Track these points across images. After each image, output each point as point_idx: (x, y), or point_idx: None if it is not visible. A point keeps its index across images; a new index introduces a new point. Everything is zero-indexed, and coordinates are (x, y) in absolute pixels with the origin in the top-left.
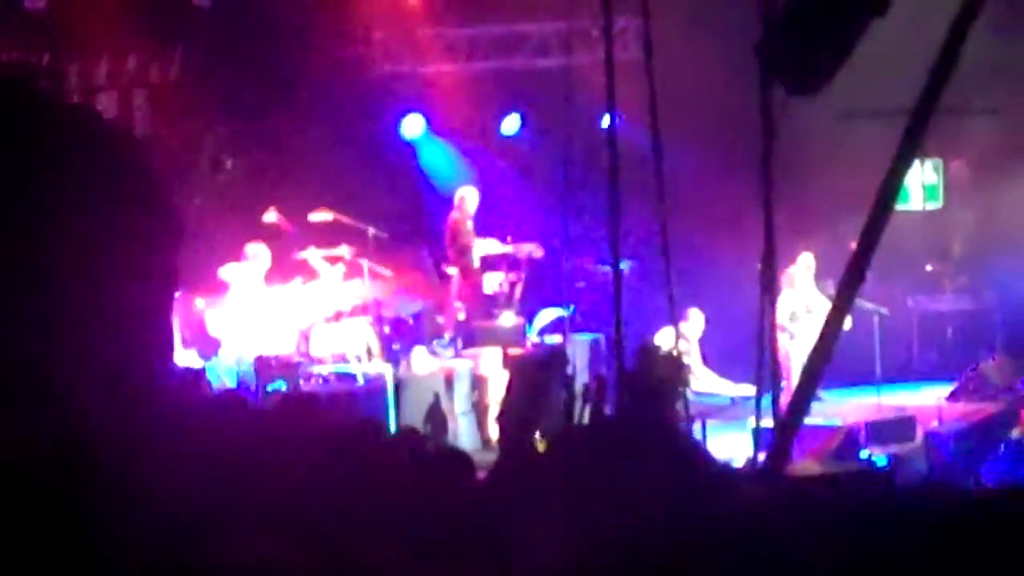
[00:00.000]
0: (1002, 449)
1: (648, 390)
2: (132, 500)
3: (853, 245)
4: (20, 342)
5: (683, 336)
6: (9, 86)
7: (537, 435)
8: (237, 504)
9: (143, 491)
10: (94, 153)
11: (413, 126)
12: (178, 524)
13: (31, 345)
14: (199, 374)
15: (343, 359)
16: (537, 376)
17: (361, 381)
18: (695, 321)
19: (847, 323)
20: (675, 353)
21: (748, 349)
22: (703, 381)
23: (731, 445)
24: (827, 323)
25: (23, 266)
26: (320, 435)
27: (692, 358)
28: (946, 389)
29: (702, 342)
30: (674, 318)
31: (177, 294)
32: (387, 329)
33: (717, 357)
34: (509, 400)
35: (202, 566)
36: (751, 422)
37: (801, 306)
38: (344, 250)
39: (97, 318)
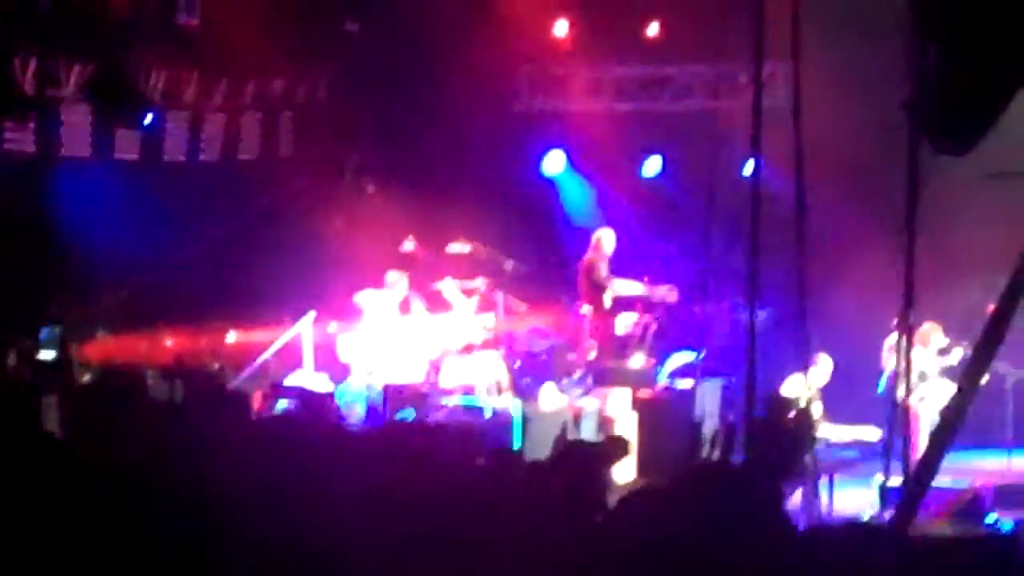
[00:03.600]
0: None
1: (778, 441)
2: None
3: (991, 306)
4: None
5: (810, 384)
6: None
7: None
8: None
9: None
10: None
11: (555, 163)
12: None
13: None
14: (326, 397)
15: (472, 391)
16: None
17: (488, 414)
18: (823, 366)
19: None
20: (807, 406)
21: (875, 404)
22: (824, 428)
23: (857, 500)
24: (962, 383)
25: None
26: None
27: (816, 404)
28: None
29: (829, 390)
30: (806, 368)
31: (311, 317)
32: (518, 364)
33: (844, 409)
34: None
35: None
36: (878, 478)
37: (933, 365)
38: (480, 282)
39: None
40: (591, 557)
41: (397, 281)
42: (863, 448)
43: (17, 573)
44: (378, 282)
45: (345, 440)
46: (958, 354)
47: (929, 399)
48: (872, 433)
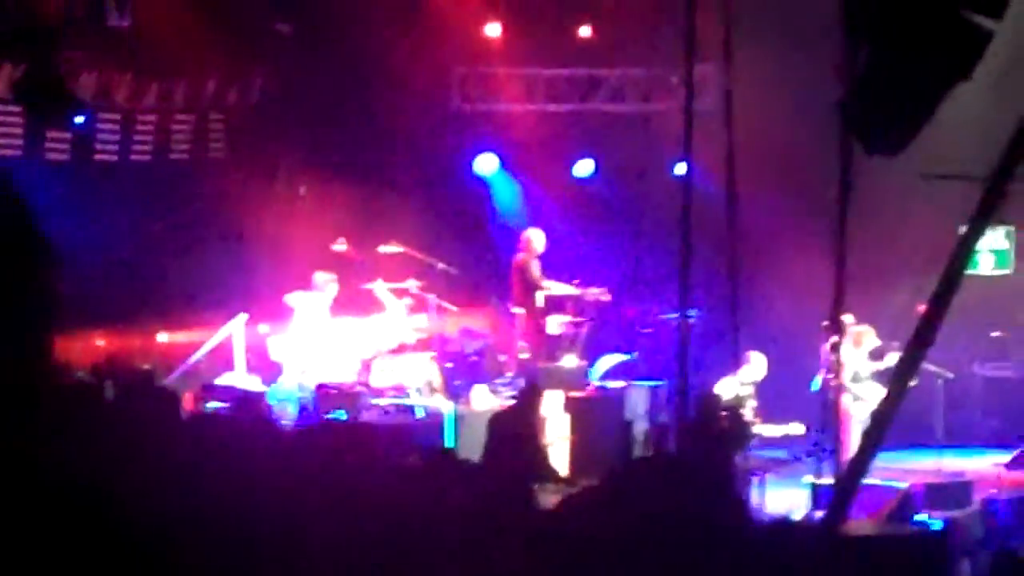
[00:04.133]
0: None
1: (709, 440)
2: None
3: (922, 307)
4: None
5: (743, 381)
6: None
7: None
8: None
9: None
10: None
11: (487, 164)
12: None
13: None
14: (259, 397)
15: (403, 392)
16: (517, 418)
17: (420, 414)
18: (757, 365)
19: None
20: (739, 405)
21: (809, 403)
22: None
23: (788, 500)
24: (892, 384)
25: None
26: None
27: (750, 402)
28: (1007, 456)
29: (763, 388)
30: (737, 367)
31: (243, 318)
32: (450, 365)
33: (779, 407)
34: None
35: None
36: (809, 478)
37: (865, 367)
38: (411, 284)
39: None
40: (529, 556)
41: (326, 282)
42: (795, 448)
43: None
44: (309, 283)
45: (277, 439)
46: (892, 357)
47: (862, 400)
48: (798, 428)
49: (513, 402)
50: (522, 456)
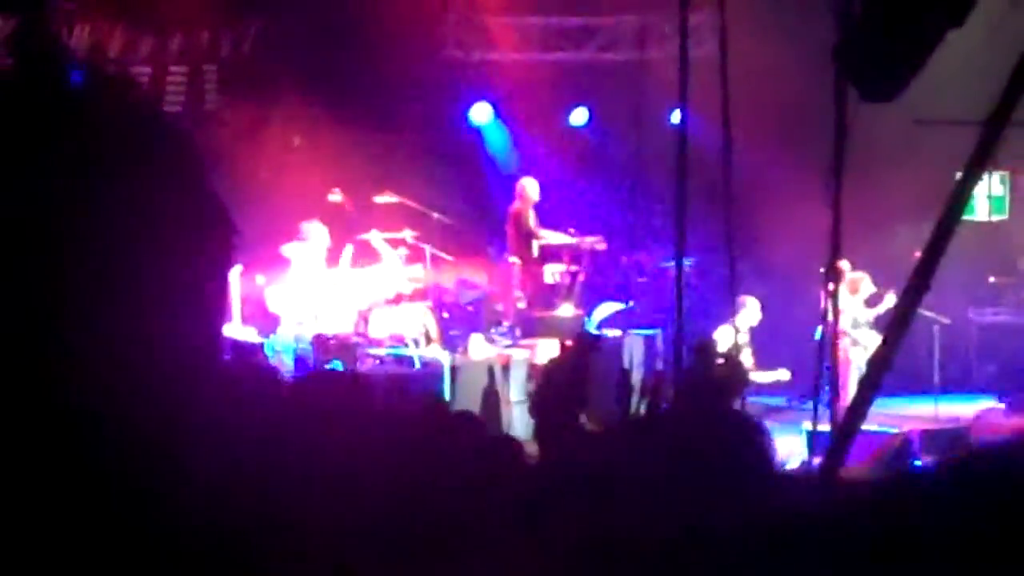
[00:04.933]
0: None
1: (705, 388)
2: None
3: (918, 253)
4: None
5: (739, 328)
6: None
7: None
8: (297, 482)
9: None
10: (146, 137)
11: (481, 113)
12: (241, 504)
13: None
14: (256, 349)
15: (401, 342)
16: (576, 362)
17: (418, 365)
18: (752, 309)
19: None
20: (733, 353)
21: (807, 350)
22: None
23: (785, 447)
24: (889, 330)
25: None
26: (379, 413)
27: (745, 349)
28: (1003, 402)
29: (759, 336)
30: (733, 317)
31: (238, 270)
32: (446, 315)
33: (775, 356)
34: (549, 387)
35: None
36: (806, 425)
37: (862, 313)
38: (407, 234)
39: (156, 296)
40: (530, 503)
41: (314, 231)
42: (792, 394)
43: None
44: (304, 235)
45: (276, 389)
46: (889, 303)
47: (859, 346)
48: (784, 375)
49: (565, 351)
50: (573, 403)
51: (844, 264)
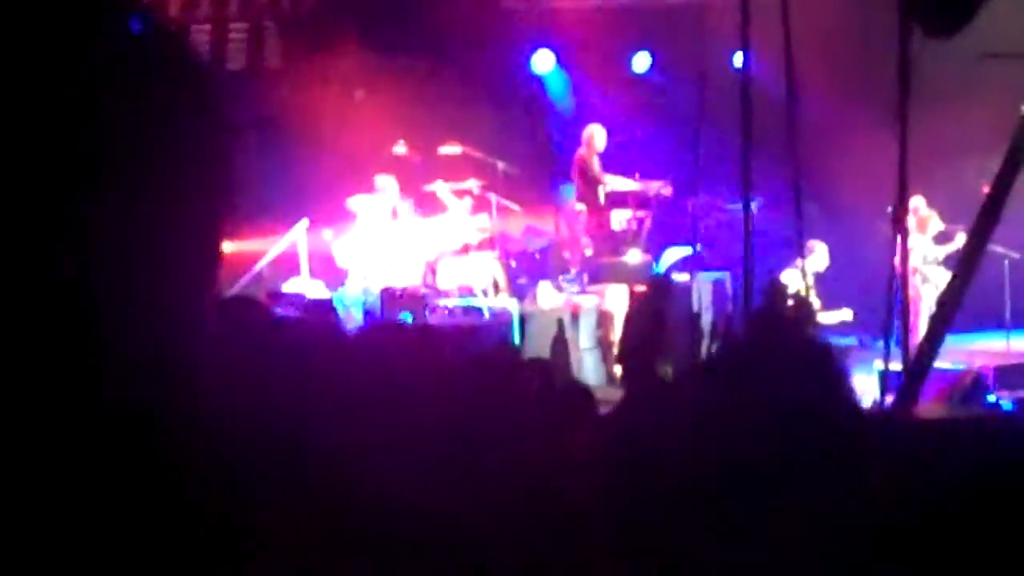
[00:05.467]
0: None
1: (775, 329)
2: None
3: (986, 188)
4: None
5: (807, 270)
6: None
7: (662, 367)
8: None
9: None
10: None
11: (543, 62)
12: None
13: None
14: (326, 304)
15: (469, 292)
16: (653, 309)
17: (487, 315)
18: (820, 254)
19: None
20: (802, 293)
21: (878, 288)
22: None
23: (858, 386)
24: (959, 265)
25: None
26: (450, 363)
27: (812, 292)
28: None
29: (827, 278)
30: (802, 257)
31: (304, 224)
32: (513, 263)
33: (844, 296)
34: (626, 336)
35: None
36: (878, 364)
37: (933, 250)
38: (472, 184)
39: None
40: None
41: (386, 185)
42: (862, 334)
43: None
44: (371, 187)
45: (346, 342)
46: (960, 238)
47: (929, 284)
48: (846, 315)
49: (639, 297)
50: (649, 349)
51: (918, 200)
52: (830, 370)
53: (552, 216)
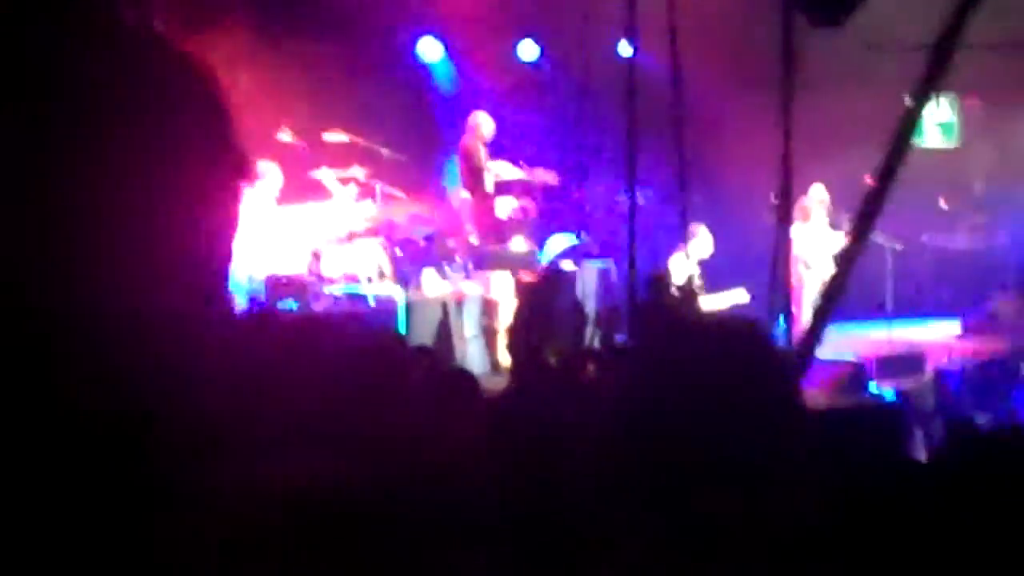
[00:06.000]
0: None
1: (659, 319)
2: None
3: (870, 179)
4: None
5: (692, 257)
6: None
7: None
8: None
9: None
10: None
11: (429, 48)
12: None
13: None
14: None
15: (354, 280)
16: (541, 299)
17: (372, 302)
18: (704, 239)
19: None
20: (687, 283)
21: (761, 277)
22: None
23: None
24: (842, 255)
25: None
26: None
27: (696, 279)
28: (957, 326)
29: (716, 264)
30: (685, 246)
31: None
32: (399, 251)
33: (729, 284)
34: (515, 325)
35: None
36: None
37: (816, 239)
38: (357, 171)
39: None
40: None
41: (269, 171)
42: None
43: None
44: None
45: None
46: (843, 227)
47: (813, 272)
48: (743, 296)
49: (529, 287)
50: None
51: (819, 189)
52: (758, 354)
53: (438, 204)
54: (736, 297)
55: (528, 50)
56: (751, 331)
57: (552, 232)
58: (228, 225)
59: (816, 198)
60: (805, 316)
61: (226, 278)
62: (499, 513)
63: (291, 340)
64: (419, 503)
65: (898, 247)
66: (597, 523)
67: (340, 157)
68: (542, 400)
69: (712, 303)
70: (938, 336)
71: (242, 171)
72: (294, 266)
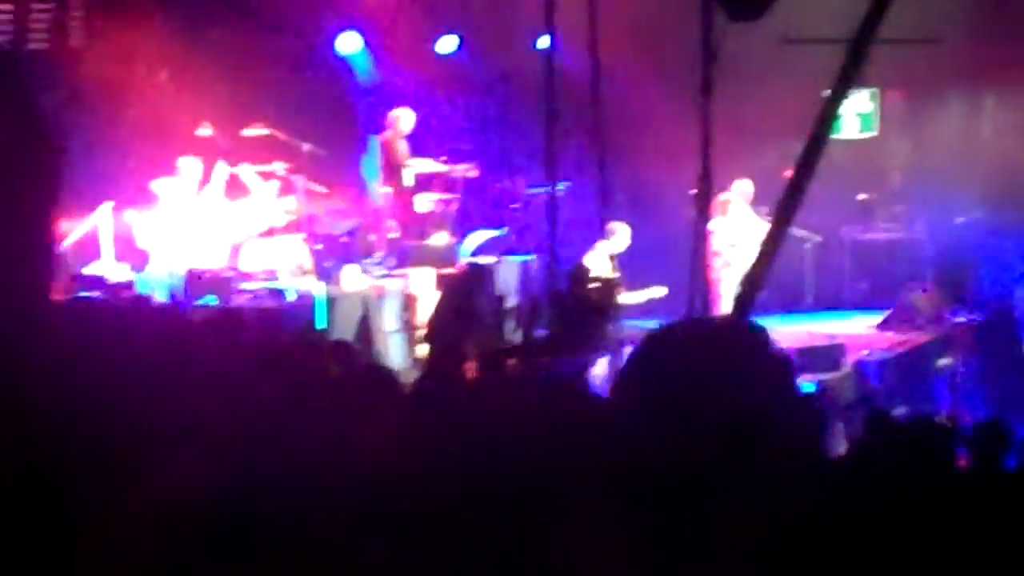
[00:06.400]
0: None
1: (579, 313)
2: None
3: (789, 172)
4: None
5: (610, 252)
6: None
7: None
8: (167, 422)
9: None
10: None
11: (349, 43)
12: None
13: None
14: (127, 286)
15: (274, 275)
16: (462, 293)
17: (292, 297)
18: (621, 235)
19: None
20: (607, 277)
21: (682, 272)
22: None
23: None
24: (761, 249)
25: None
26: (254, 346)
27: (615, 273)
28: (876, 318)
29: (636, 258)
30: (604, 241)
31: (109, 206)
32: (320, 246)
33: (649, 278)
34: (436, 318)
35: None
36: None
37: (736, 233)
38: (278, 166)
39: None
40: (402, 431)
41: (189, 167)
42: (666, 317)
43: None
44: (174, 169)
45: (150, 324)
46: (761, 220)
47: (731, 267)
48: (660, 291)
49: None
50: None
51: (744, 184)
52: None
53: (359, 199)
54: (653, 293)
55: (447, 44)
56: (752, 335)
57: (472, 227)
58: (38, 222)
59: (739, 191)
60: (724, 309)
61: (43, 272)
62: (419, 505)
63: (205, 336)
64: (336, 497)
65: (817, 239)
66: (527, 510)
67: (261, 152)
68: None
69: (630, 298)
70: (857, 329)
71: (51, 168)
72: (214, 261)
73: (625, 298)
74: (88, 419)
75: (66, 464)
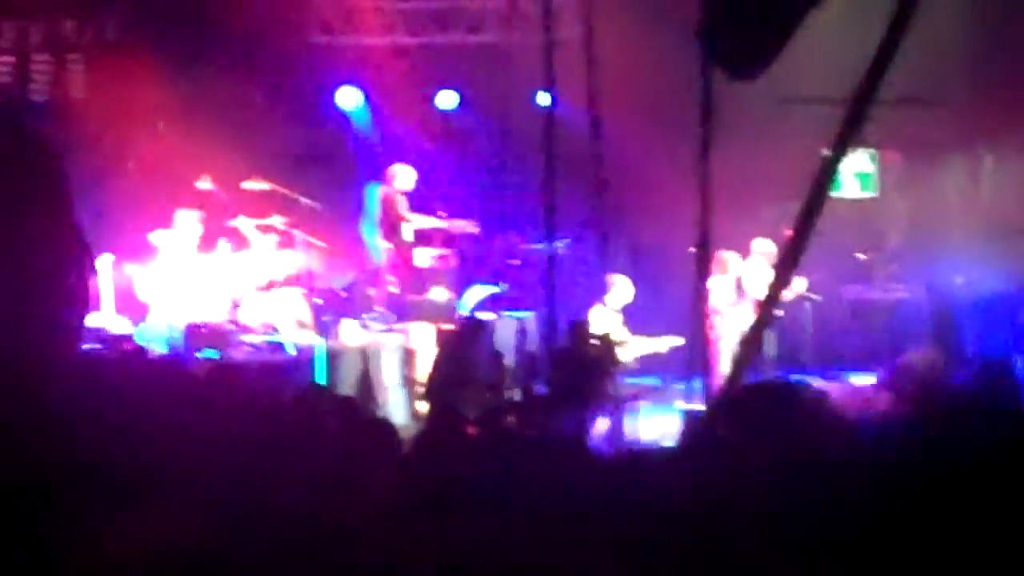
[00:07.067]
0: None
1: (579, 370)
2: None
3: (788, 231)
4: None
5: (612, 307)
6: None
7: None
8: (163, 474)
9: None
10: None
11: (349, 98)
12: (98, 496)
13: None
14: (126, 338)
15: (273, 329)
16: (460, 347)
17: (291, 351)
18: (622, 288)
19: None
20: (607, 334)
21: (682, 329)
22: (628, 347)
23: (661, 426)
24: (760, 308)
25: None
26: (253, 400)
27: (619, 328)
28: (872, 379)
29: (634, 314)
30: (604, 296)
31: (109, 259)
32: (319, 300)
33: (649, 332)
34: (435, 373)
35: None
36: (680, 404)
37: (734, 291)
38: (276, 220)
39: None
40: (401, 488)
41: (188, 220)
42: (667, 374)
43: None
44: (172, 223)
45: (150, 377)
46: (760, 280)
47: (730, 325)
48: (677, 340)
49: (449, 336)
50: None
51: (762, 242)
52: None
53: (357, 253)
54: (672, 342)
55: (448, 100)
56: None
57: (471, 282)
58: (72, 295)
59: (760, 251)
60: (724, 367)
61: (72, 346)
62: (411, 562)
63: (205, 389)
64: (329, 551)
65: (816, 299)
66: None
67: (260, 205)
68: (460, 450)
69: (647, 346)
70: (854, 389)
71: (82, 248)
72: (214, 314)
73: (642, 346)
74: (84, 471)
75: (58, 510)
